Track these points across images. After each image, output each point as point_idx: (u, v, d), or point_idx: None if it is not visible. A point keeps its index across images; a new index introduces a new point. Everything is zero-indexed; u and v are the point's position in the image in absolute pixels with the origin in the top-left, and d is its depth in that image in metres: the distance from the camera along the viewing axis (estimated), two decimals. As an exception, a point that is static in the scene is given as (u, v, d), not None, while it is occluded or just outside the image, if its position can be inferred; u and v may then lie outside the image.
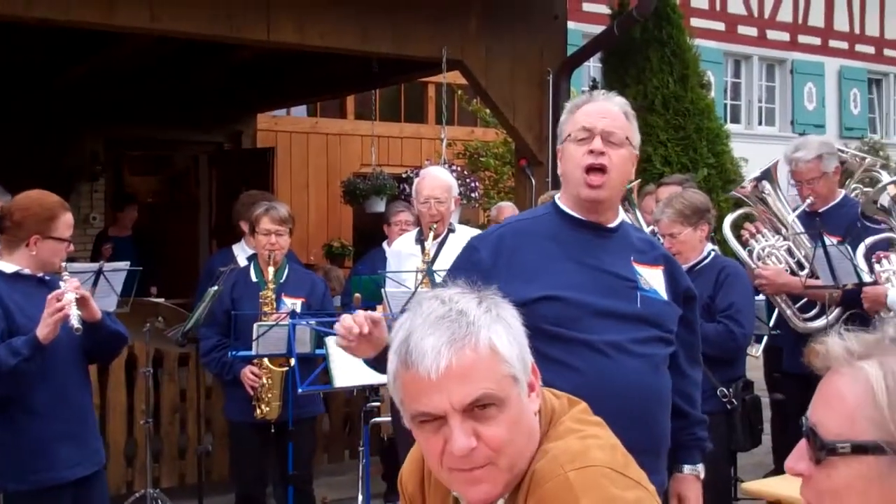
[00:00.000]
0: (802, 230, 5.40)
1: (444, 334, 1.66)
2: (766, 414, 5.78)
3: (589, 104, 2.94)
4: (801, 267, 5.37)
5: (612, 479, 1.69)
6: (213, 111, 11.59)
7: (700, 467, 3.09)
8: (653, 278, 2.93)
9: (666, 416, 2.89)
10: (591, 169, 2.84)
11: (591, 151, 2.84)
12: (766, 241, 5.48)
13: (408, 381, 1.68)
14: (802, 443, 1.33)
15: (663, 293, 2.94)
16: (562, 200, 3.00)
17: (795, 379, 5.28)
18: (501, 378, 1.68)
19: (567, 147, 2.92)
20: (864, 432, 1.27)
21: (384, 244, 6.84)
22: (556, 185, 7.61)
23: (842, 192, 5.49)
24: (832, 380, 1.32)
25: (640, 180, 7.04)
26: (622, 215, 3.05)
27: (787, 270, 5.39)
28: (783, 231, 5.49)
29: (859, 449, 1.26)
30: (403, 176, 10.32)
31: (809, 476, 1.32)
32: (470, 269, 2.77)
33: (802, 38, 20.27)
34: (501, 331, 1.70)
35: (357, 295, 5.36)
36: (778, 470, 6.05)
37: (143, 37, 7.16)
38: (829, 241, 4.91)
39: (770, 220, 5.55)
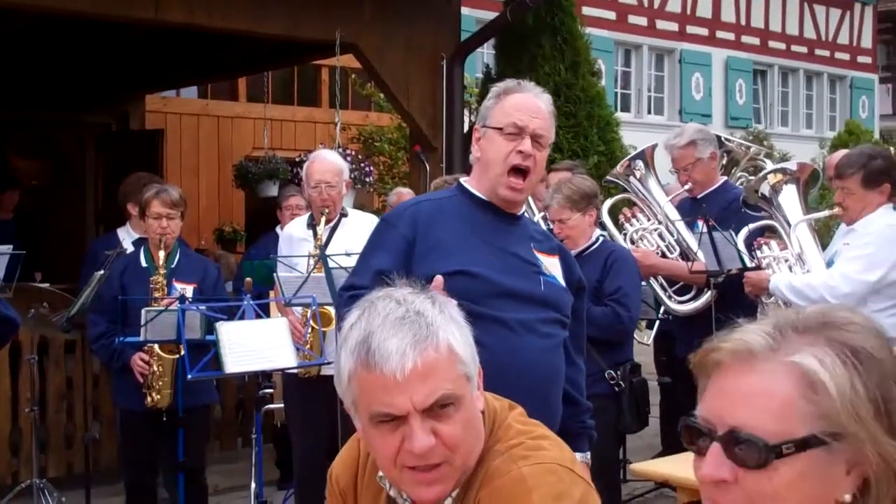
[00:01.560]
0: (678, 216, 5.55)
1: (408, 335, 1.68)
2: (656, 398, 5.93)
3: (520, 94, 2.96)
4: (673, 249, 5.53)
5: (561, 475, 1.76)
6: (101, 92, 11.30)
7: (588, 455, 3.16)
8: (551, 266, 3.01)
9: (560, 399, 2.98)
10: (516, 170, 2.90)
11: (521, 152, 2.89)
12: (639, 224, 5.62)
13: (368, 382, 1.69)
14: (716, 449, 1.26)
15: (561, 280, 3.02)
16: (470, 183, 3.04)
17: (684, 363, 5.41)
18: (458, 377, 1.72)
19: (493, 137, 2.94)
20: (800, 428, 1.24)
21: (277, 228, 6.79)
22: (450, 170, 7.66)
23: (723, 179, 5.64)
24: (747, 379, 1.27)
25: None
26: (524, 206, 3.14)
27: (658, 253, 5.53)
28: (657, 215, 5.64)
29: (802, 445, 1.23)
30: (297, 160, 10.23)
31: (734, 481, 1.26)
32: (392, 246, 2.86)
33: (691, 29, 20.73)
34: (456, 331, 1.74)
35: (248, 280, 5.30)
36: (666, 451, 6.21)
37: (27, 14, 6.94)
38: (704, 226, 5.05)
39: (645, 203, 5.69)
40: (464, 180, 3.09)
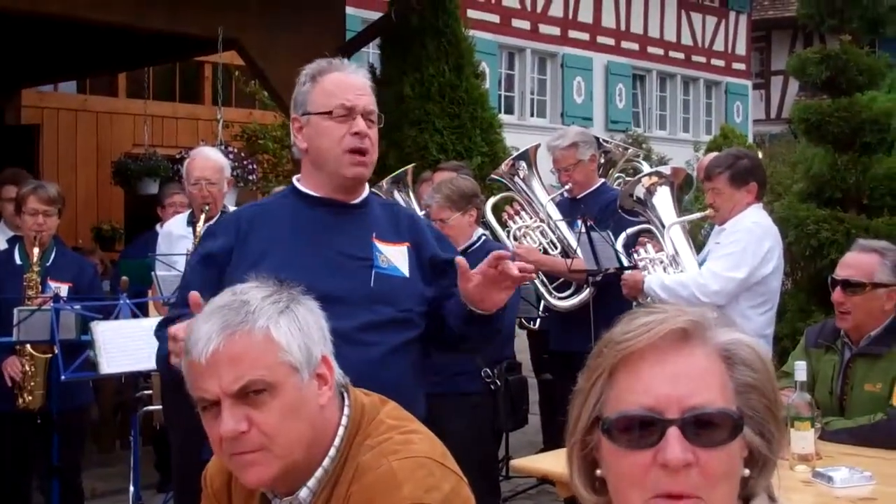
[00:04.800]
0: (560, 215, 5.68)
1: (219, 321, 1.72)
2: (536, 395, 6.03)
3: (338, 73, 2.77)
4: (554, 247, 5.66)
5: (431, 468, 1.80)
6: (-28, 85, 10.93)
7: None
8: (395, 256, 2.81)
9: (416, 408, 2.43)
10: (354, 151, 2.73)
11: (357, 133, 2.72)
12: (522, 221, 5.74)
13: (188, 366, 1.75)
14: (675, 433, 1.22)
15: (405, 270, 2.81)
16: (302, 181, 2.86)
17: (562, 357, 5.54)
18: (276, 365, 1.74)
19: (320, 123, 2.75)
20: (732, 404, 1.26)
21: (157, 227, 6.69)
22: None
23: (601, 181, 5.79)
24: (690, 360, 1.27)
25: (414, 165, 7.18)
26: (367, 190, 2.92)
27: (540, 250, 5.65)
28: (540, 213, 5.76)
29: (743, 419, 1.27)
30: (178, 157, 10.08)
31: (696, 463, 1.23)
32: (205, 259, 2.75)
33: (572, 34, 21.07)
34: (283, 321, 1.76)
35: (124, 278, 5.22)
36: (547, 447, 6.33)
37: None
38: (583, 226, 5.18)
39: (528, 201, 5.81)
40: (296, 179, 2.89)
